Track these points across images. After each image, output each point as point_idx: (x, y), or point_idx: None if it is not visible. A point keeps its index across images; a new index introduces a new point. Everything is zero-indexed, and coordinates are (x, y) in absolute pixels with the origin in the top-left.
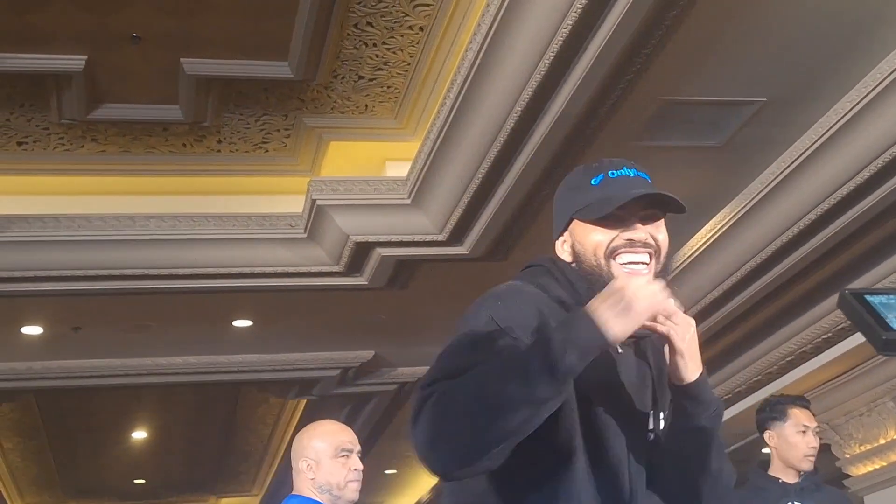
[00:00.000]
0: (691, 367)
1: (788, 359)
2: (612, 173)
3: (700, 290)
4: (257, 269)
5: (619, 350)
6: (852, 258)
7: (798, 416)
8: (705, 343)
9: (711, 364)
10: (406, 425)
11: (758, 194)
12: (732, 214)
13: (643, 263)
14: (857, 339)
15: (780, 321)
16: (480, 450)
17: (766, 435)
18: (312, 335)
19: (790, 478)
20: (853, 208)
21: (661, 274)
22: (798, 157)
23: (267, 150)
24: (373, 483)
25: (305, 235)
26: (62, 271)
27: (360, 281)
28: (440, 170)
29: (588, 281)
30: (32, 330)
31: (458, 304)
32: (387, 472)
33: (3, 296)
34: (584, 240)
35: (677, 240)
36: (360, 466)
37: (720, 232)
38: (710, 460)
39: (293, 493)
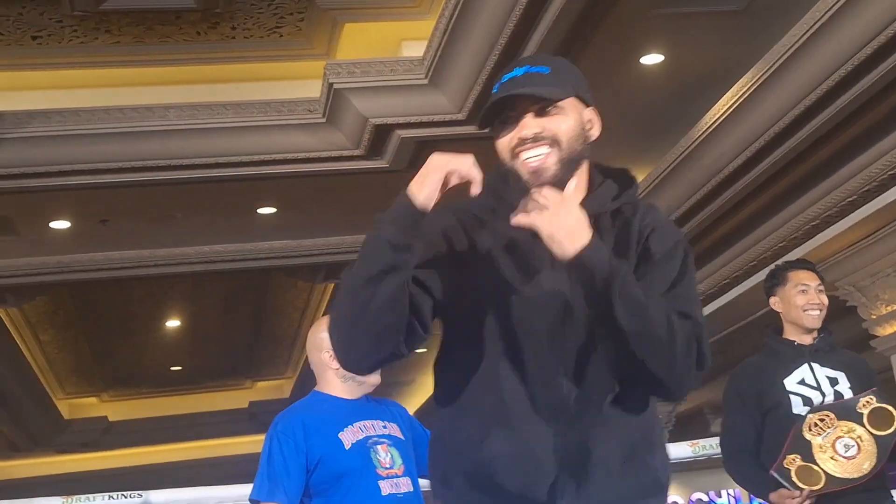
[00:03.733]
0: (567, 244)
1: (813, 223)
2: (505, 77)
3: (723, 157)
4: (278, 156)
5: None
6: (877, 120)
7: (798, 276)
8: (728, 212)
9: (735, 233)
10: None
11: (780, 58)
12: (755, 80)
13: (542, 157)
14: (882, 200)
15: (804, 186)
16: (363, 346)
17: (772, 301)
18: (337, 219)
19: (805, 340)
20: (877, 68)
21: (569, 160)
22: (820, 18)
23: (281, 35)
24: (403, 362)
25: (324, 120)
26: (85, 165)
27: (382, 164)
28: (457, 47)
29: (511, 180)
30: (60, 224)
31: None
32: (418, 350)
33: (29, 191)
34: (496, 144)
35: (699, 107)
36: None
37: (743, 98)
38: (624, 324)
39: (316, 388)
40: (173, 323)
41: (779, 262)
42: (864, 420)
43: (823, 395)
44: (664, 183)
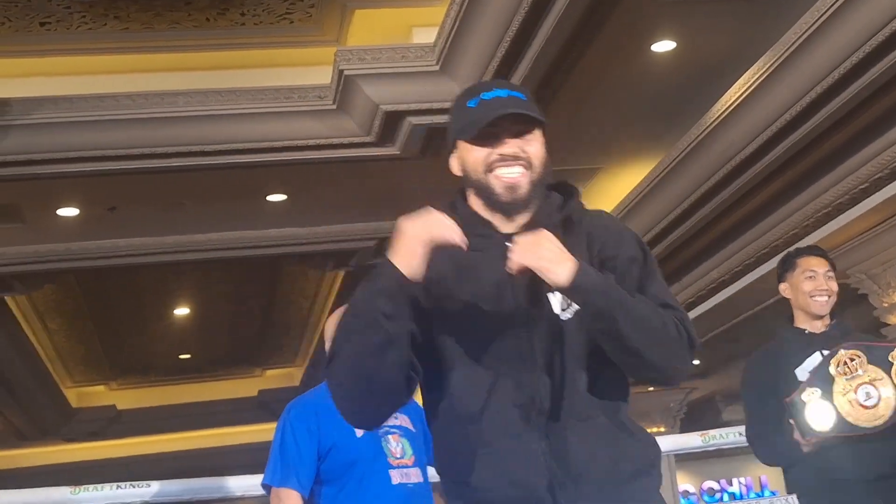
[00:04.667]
0: (556, 274)
1: (825, 211)
2: (486, 95)
3: (735, 144)
4: (288, 143)
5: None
6: (889, 107)
7: (807, 262)
8: (740, 199)
9: (747, 221)
10: None
11: (791, 45)
12: (766, 67)
13: (517, 175)
14: (893, 188)
15: (816, 173)
16: (374, 406)
17: (781, 288)
18: (347, 207)
19: (816, 328)
20: (889, 55)
21: (538, 183)
22: (832, 4)
23: (292, 21)
24: None
25: (335, 107)
26: (93, 151)
27: (393, 150)
28: (468, 34)
29: (477, 194)
30: (68, 212)
31: None
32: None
33: (37, 178)
34: (466, 157)
35: (711, 95)
36: None
37: (755, 85)
38: (627, 332)
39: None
40: (182, 311)
41: (790, 249)
42: (892, 371)
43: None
44: (677, 170)
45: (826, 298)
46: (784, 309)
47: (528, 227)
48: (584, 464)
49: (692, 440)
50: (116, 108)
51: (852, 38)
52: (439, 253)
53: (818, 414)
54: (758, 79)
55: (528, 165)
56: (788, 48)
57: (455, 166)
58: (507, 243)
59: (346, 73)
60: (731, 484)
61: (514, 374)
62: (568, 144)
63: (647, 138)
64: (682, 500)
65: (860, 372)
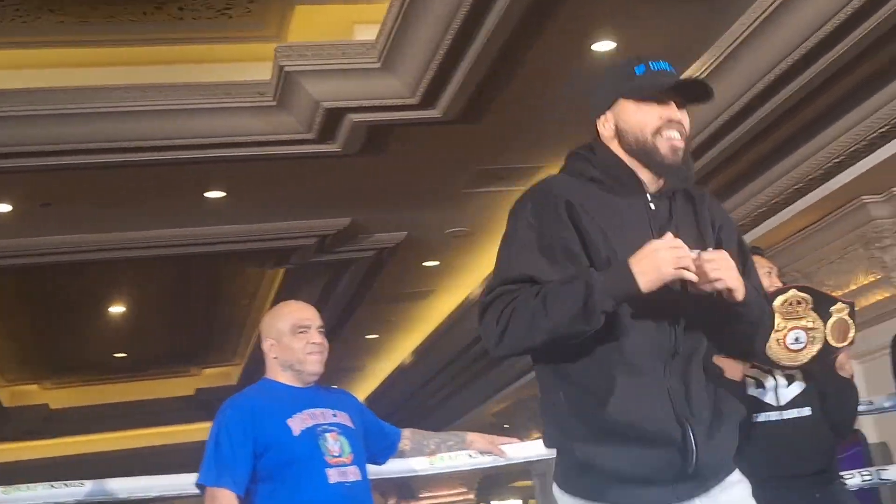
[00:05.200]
0: (739, 294)
1: (761, 210)
2: (654, 64)
3: None
4: (227, 139)
5: (653, 207)
6: (821, 110)
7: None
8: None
9: None
10: (387, 290)
11: (730, 45)
12: (705, 67)
13: (679, 139)
14: (828, 188)
15: (751, 174)
16: (527, 350)
17: None
18: (288, 204)
19: None
20: (822, 58)
21: (687, 151)
22: (770, 5)
23: (231, 17)
24: (354, 348)
25: (275, 103)
26: (27, 147)
27: (334, 148)
28: (410, 31)
29: (631, 153)
30: (1, 208)
31: (433, 168)
32: (368, 336)
33: None
34: (630, 118)
35: None
36: (319, 340)
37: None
38: (752, 319)
39: (266, 376)
40: (118, 309)
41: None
42: (828, 324)
43: (775, 377)
44: None
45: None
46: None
47: (664, 190)
48: (700, 406)
49: None
50: (51, 102)
51: (788, 41)
52: (589, 205)
53: None
54: (703, 72)
55: (685, 133)
56: (726, 49)
57: (608, 127)
58: (649, 200)
59: (286, 69)
60: None
61: (657, 319)
62: (510, 143)
63: (589, 138)
64: None
65: (801, 318)
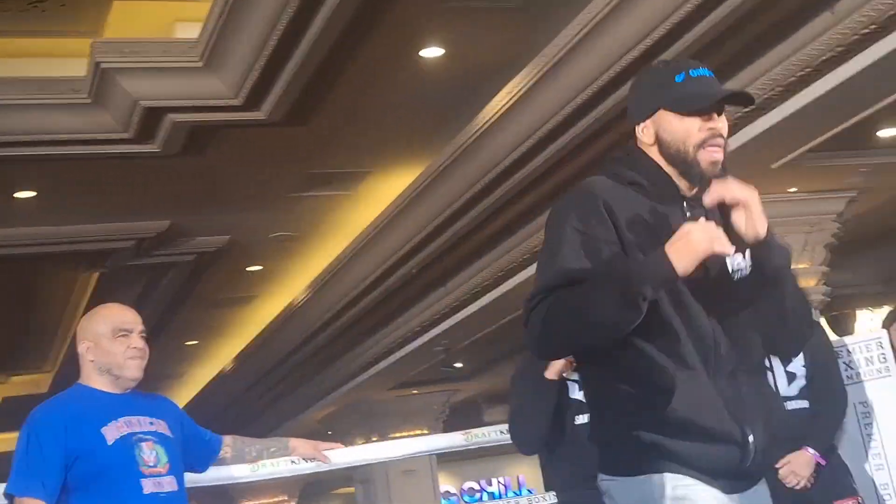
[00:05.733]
0: (761, 225)
1: None
2: (693, 72)
3: (499, 153)
4: (38, 137)
5: (689, 214)
6: None
7: None
8: (506, 205)
9: (512, 225)
10: (208, 295)
11: (554, 57)
12: (531, 77)
13: (720, 151)
14: None
15: (578, 179)
16: (576, 349)
17: None
18: (104, 206)
19: None
20: (672, 47)
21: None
22: (596, 16)
23: (44, 10)
24: (173, 354)
25: (90, 101)
26: None
27: (153, 148)
28: (234, 30)
29: (670, 161)
30: None
31: (258, 171)
32: (188, 343)
33: None
34: (672, 128)
35: (478, 102)
36: (140, 345)
37: (519, 95)
38: (785, 298)
39: (79, 381)
40: None
41: None
42: None
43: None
44: (444, 175)
45: None
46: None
47: (699, 196)
48: (753, 406)
49: (455, 439)
50: None
51: (610, 52)
52: (628, 208)
53: None
54: (523, 88)
55: (725, 143)
56: (552, 59)
57: (647, 134)
58: (685, 206)
59: (102, 66)
60: (490, 483)
61: (696, 320)
62: (338, 147)
63: (416, 143)
64: (444, 501)
65: None
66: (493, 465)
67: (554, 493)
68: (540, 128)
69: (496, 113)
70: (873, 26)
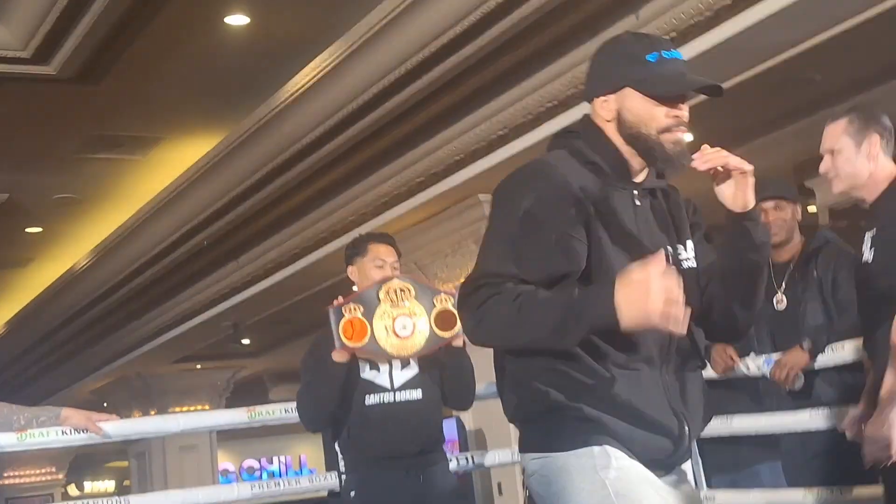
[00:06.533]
0: (751, 195)
1: (384, 200)
2: (665, 53)
3: (301, 128)
4: None
5: (638, 203)
6: (449, 105)
7: (376, 250)
8: (303, 182)
9: (307, 204)
10: None
11: (362, 36)
12: (336, 55)
13: (685, 139)
14: (446, 184)
15: (378, 163)
16: (507, 348)
17: (350, 271)
18: None
19: None
20: (461, 51)
21: None
22: None
23: None
24: None
25: None
26: None
27: None
28: None
29: (628, 140)
30: None
31: (42, 128)
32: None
33: None
34: (637, 109)
35: (282, 75)
36: None
37: (324, 72)
38: (761, 282)
39: None
40: None
41: (361, 233)
42: (432, 312)
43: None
44: (242, 148)
45: None
46: (341, 291)
47: (650, 179)
48: (693, 406)
49: (239, 416)
50: None
51: (420, 35)
52: (593, 197)
53: (356, 329)
54: (328, 65)
55: (687, 129)
56: (360, 38)
57: (607, 109)
58: (634, 192)
59: None
60: (271, 462)
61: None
62: (130, 109)
63: (215, 113)
64: (222, 479)
65: (405, 304)
66: (276, 444)
67: (335, 473)
68: (342, 108)
69: (299, 89)
70: (673, 34)
